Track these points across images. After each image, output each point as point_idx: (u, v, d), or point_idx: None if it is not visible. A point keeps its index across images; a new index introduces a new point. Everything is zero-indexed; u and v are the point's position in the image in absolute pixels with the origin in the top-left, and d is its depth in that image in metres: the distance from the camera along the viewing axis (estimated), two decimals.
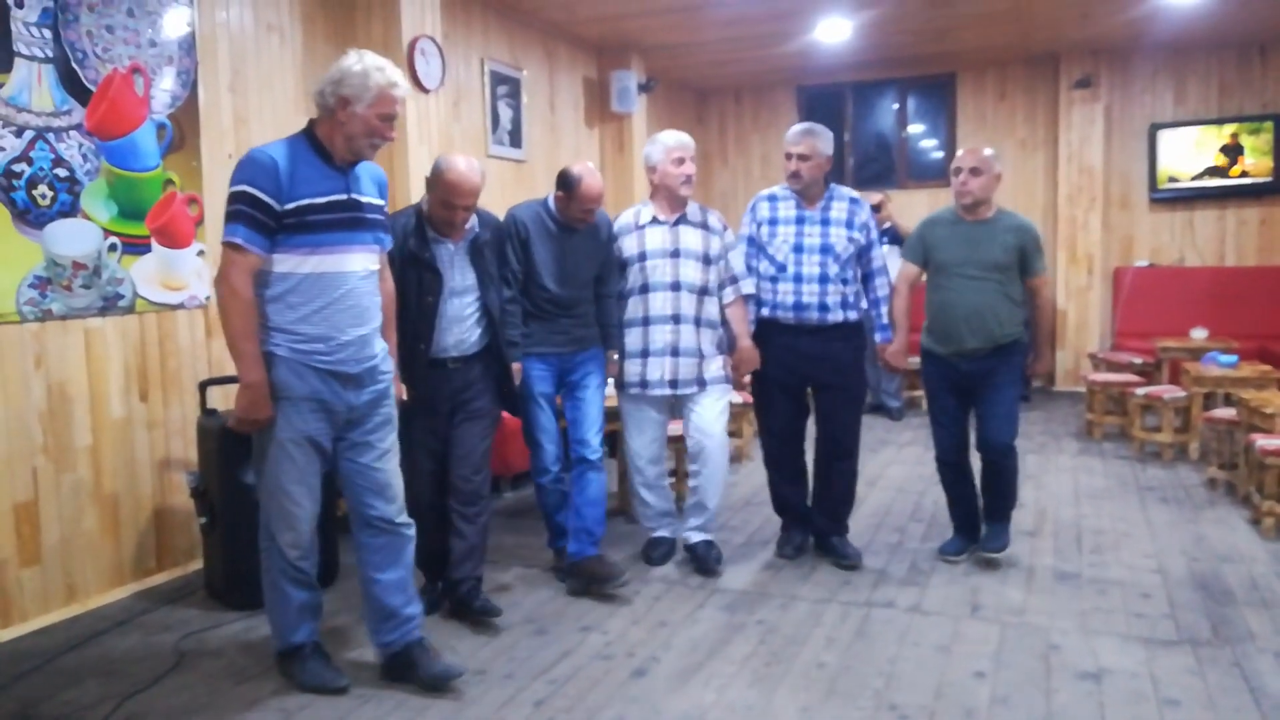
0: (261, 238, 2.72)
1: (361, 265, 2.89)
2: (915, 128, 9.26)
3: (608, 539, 4.12)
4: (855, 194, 4.14)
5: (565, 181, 3.74)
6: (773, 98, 9.56)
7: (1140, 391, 6.06)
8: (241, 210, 2.70)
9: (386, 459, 3.03)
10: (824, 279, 3.96)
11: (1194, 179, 8.25)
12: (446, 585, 3.59)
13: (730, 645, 3.33)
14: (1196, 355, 6.57)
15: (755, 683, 3.05)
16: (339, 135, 2.82)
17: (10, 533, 3.52)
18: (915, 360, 4.33)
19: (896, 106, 9.26)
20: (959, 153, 4.04)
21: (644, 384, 3.97)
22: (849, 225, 4.02)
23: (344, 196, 2.83)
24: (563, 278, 3.82)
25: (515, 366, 3.68)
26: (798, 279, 3.97)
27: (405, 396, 3.32)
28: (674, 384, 3.96)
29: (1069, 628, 3.42)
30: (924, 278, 4.13)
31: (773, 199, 4.09)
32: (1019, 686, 2.98)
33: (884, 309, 4.12)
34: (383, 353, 3.00)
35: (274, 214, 2.72)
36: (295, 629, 3.05)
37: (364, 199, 2.90)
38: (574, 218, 3.80)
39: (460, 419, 3.54)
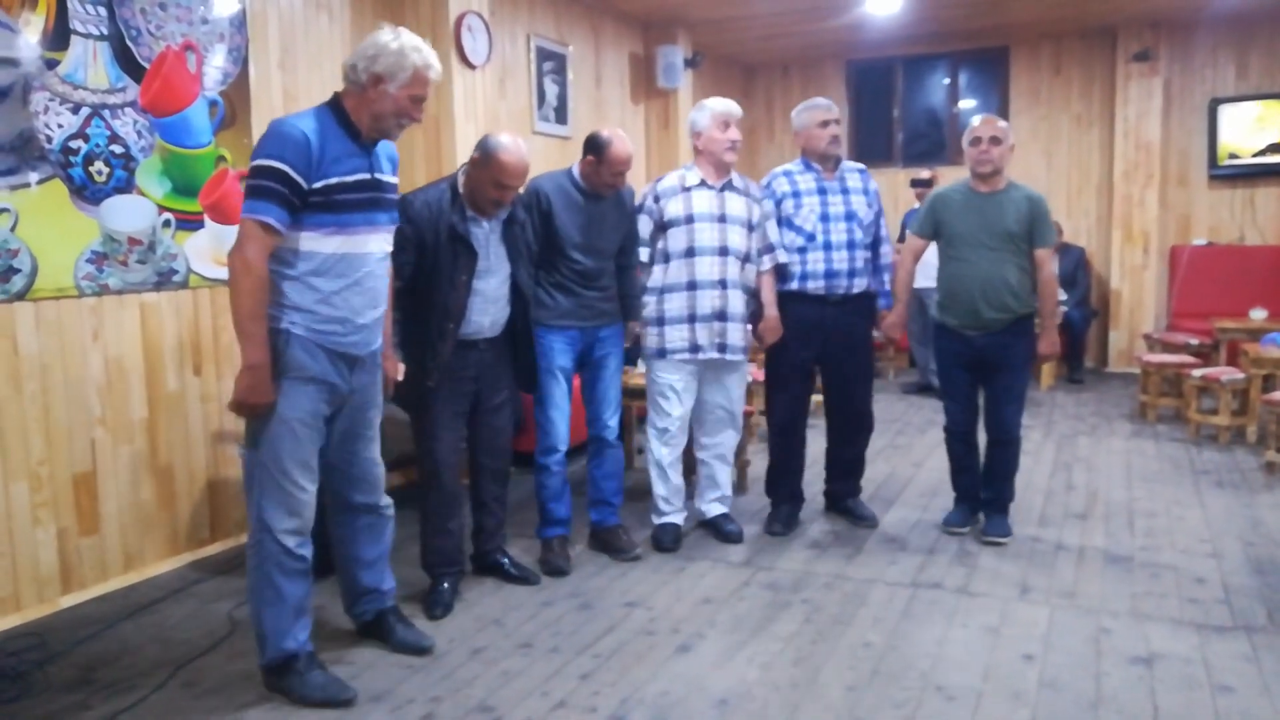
0: (288, 216, 2.60)
1: (379, 247, 2.83)
2: (967, 103, 9.09)
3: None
4: (859, 165, 4.28)
5: (595, 145, 3.68)
6: (821, 72, 9.44)
7: (1197, 373, 5.92)
8: (272, 187, 2.56)
9: (374, 445, 3.00)
10: (851, 245, 4.07)
11: (1256, 155, 8.01)
12: (475, 557, 3.74)
13: (775, 623, 3.33)
14: (1255, 336, 6.42)
15: (799, 661, 3.04)
16: (366, 113, 2.73)
17: (70, 503, 3.61)
18: None
19: (947, 81, 9.09)
20: (975, 122, 4.03)
21: (694, 348, 3.92)
22: (865, 192, 4.17)
23: (367, 176, 2.75)
24: (589, 248, 3.76)
25: None
26: (827, 246, 4.04)
27: (399, 376, 3.20)
28: (723, 348, 3.93)
29: (1120, 611, 3.37)
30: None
31: (788, 174, 4.15)
32: (1068, 670, 2.94)
33: (888, 275, 4.26)
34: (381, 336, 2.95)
35: (301, 192, 2.60)
36: (288, 633, 2.80)
37: (384, 178, 2.83)
38: (603, 183, 3.73)
39: (487, 406, 3.53)
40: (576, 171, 3.78)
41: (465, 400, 3.46)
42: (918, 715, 2.70)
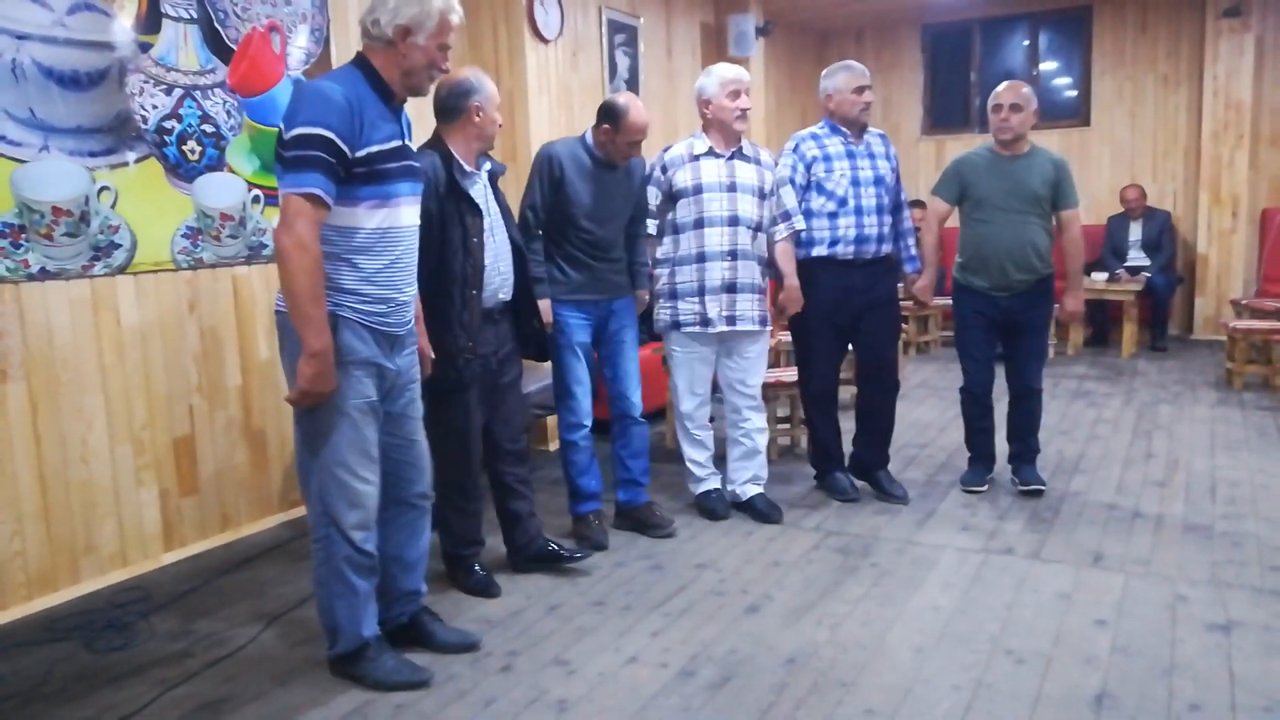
0: (335, 187, 2.42)
1: (412, 220, 2.66)
2: (1047, 65, 8.85)
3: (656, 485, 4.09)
4: (879, 130, 4.25)
5: (611, 113, 3.59)
6: (896, 37, 9.28)
7: None
8: (318, 156, 2.36)
9: (420, 428, 2.85)
10: (880, 210, 4.06)
11: None
12: (517, 547, 3.54)
13: (843, 586, 3.37)
14: None
15: (868, 623, 3.08)
16: (397, 70, 2.53)
17: (171, 465, 3.82)
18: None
19: (1027, 43, 8.86)
20: (998, 88, 4.08)
21: (705, 321, 3.85)
22: (887, 157, 4.14)
23: (400, 143, 2.57)
24: (601, 217, 3.68)
25: (544, 303, 3.53)
26: (859, 211, 4.01)
27: (434, 355, 3.03)
28: (731, 320, 3.85)
29: (1198, 579, 3.33)
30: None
31: (815, 137, 4.09)
32: (1142, 636, 2.93)
33: (911, 240, 4.25)
34: None
35: (346, 162, 2.42)
36: (363, 621, 2.75)
37: (410, 144, 2.68)
38: (620, 152, 3.65)
39: (501, 382, 3.35)
40: (590, 138, 3.70)
41: (489, 376, 3.30)
42: (985, 677, 2.72)
